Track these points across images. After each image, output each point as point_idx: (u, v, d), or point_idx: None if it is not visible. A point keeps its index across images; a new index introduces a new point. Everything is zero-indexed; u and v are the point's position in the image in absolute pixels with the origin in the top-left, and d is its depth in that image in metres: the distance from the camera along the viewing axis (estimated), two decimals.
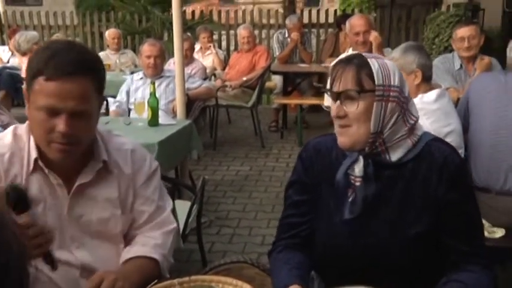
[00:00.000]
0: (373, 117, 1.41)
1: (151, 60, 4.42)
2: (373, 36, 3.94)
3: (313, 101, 6.81)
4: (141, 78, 4.53)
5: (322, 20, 9.42)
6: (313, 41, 8.46)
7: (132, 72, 6.18)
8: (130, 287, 1.41)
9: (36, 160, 1.51)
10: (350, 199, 1.45)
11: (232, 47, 9.00)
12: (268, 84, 6.94)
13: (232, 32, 9.25)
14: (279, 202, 4.52)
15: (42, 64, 1.40)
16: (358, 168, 1.45)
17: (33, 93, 1.43)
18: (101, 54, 7.12)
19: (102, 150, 1.58)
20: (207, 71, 6.40)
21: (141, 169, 1.65)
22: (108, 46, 7.32)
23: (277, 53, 7.00)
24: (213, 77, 6.78)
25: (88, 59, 1.46)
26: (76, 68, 1.41)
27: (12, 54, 7.11)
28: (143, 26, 9.13)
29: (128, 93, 4.58)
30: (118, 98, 4.62)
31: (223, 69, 6.93)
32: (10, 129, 1.59)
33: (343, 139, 1.45)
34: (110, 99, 5.30)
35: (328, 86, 1.49)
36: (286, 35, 6.98)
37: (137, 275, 1.48)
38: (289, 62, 6.92)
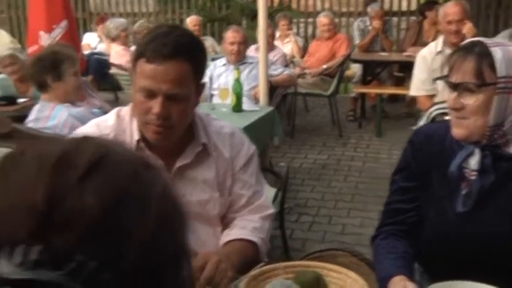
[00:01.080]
0: (494, 110, 1.34)
1: (235, 47, 4.47)
2: (468, 28, 3.68)
3: (394, 91, 6.66)
4: (224, 65, 4.59)
5: (404, 7, 9.13)
6: (394, 30, 8.22)
7: (213, 59, 6.29)
8: (231, 268, 1.43)
9: (138, 141, 1.56)
10: (463, 192, 1.40)
11: (310, 35, 8.94)
12: (346, 72, 6.83)
13: (310, 19, 9.18)
14: (358, 192, 4.46)
15: (143, 47, 1.46)
16: (474, 161, 1.39)
17: (135, 75, 1.48)
18: None
19: (201, 133, 1.62)
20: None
21: (239, 153, 1.67)
22: None
23: (358, 41, 6.87)
24: (291, 65, 6.76)
25: (186, 42, 1.48)
26: (173, 51, 1.43)
27: (100, 40, 7.43)
28: (223, 12, 9.23)
29: (210, 79, 4.65)
30: None
31: (302, 57, 6.89)
32: (114, 111, 1.65)
33: (458, 130, 1.39)
34: None
35: (443, 74, 1.44)
36: (367, 23, 6.83)
37: (237, 257, 1.51)
38: (369, 51, 6.78)
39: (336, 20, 8.52)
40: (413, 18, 8.40)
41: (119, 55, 5.89)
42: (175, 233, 0.52)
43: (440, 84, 3.64)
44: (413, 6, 8.90)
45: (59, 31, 5.60)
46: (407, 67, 6.57)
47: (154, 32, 1.49)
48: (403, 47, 6.83)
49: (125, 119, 1.60)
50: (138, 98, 1.48)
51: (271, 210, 1.69)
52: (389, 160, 5.28)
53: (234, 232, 1.60)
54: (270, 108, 3.94)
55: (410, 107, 6.93)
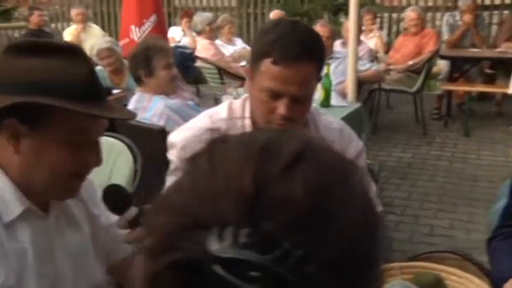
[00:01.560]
0: None
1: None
2: None
3: (485, 89, 6.37)
4: None
5: (497, 1, 8.68)
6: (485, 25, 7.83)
7: None
8: None
9: None
10: None
11: (394, 31, 8.71)
12: (433, 69, 6.59)
13: (394, 14, 8.94)
14: (446, 193, 4.30)
15: (269, 46, 1.43)
16: None
17: (258, 74, 1.46)
18: None
19: (312, 128, 1.61)
20: None
21: (348, 148, 1.64)
22: None
23: (446, 37, 6.60)
24: (375, 60, 6.62)
25: (312, 42, 1.47)
26: (301, 53, 1.41)
27: (183, 34, 7.61)
28: (305, 7, 9.17)
29: None
30: None
31: (386, 52, 6.72)
32: (225, 104, 1.67)
33: None
34: None
35: None
36: (457, 18, 6.54)
37: None
38: (458, 46, 6.50)
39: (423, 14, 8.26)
40: (506, 12, 7.97)
41: (204, 48, 6.01)
42: (374, 234, 0.51)
43: None
44: (508, 0, 8.45)
45: (148, 25, 5.79)
46: (500, 64, 6.31)
47: (277, 30, 1.45)
48: (495, 43, 6.50)
49: (237, 112, 1.62)
50: (261, 97, 1.47)
51: (380, 209, 1.65)
52: (478, 161, 5.06)
53: None
54: (358, 104, 3.88)
55: (500, 106, 6.63)
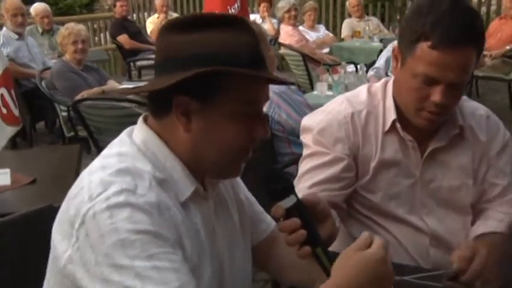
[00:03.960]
0: None
1: None
2: None
3: None
4: None
5: None
6: None
7: (381, 40, 6.07)
8: (497, 264, 1.30)
9: (394, 121, 1.47)
10: None
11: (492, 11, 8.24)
12: None
13: None
14: None
15: (428, 28, 1.31)
16: None
17: (411, 57, 1.35)
18: (346, 21, 7.14)
19: (458, 115, 1.49)
20: None
21: (495, 137, 1.51)
22: (349, 15, 7.30)
23: None
24: None
25: (473, 23, 1.33)
26: (463, 37, 1.30)
27: (262, 21, 7.56)
28: None
29: (387, 61, 4.45)
30: (377, 64, 4.53)
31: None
32: (365, 86, 1.57)
33: None
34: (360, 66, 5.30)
35: None
36: None
37: (498, 252, 1.36)
38: None
39: None
40: None
41: (288, 35, 5.92)
42: None
43: None
44: None
45: (232, 12, 5.76)
46: None
47: (435, 9, 1.33)
48: None
49: (377, 95, 1.52)
50: (413, 83, 1.37)
51: None
52: None
53: (491, 224, 1.46)
54: None
55: None
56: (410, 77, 1.37)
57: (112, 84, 4.44)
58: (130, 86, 4.57)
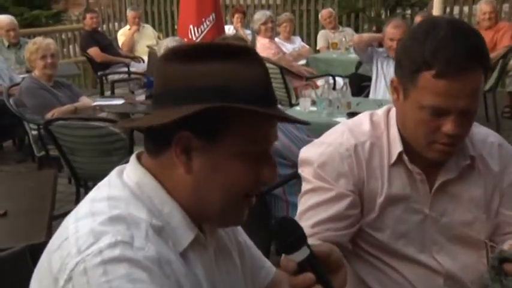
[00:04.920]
0: None
1: (394, 43, 4.16)
2: None
3: None
4: (386, 57, 4.31)
5: None
6: None
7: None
8: None
9: (400, 153, 1.37)
10: None
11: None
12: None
13: (465, 7, 8.51)
14: None
15: (428, 56, 1.21)
16: None
17: (415, 89, 1.25)
18: (321, 32, 7.09)
19: (468, 144, 1.39)
20: None
21: (508, 167, 1.43)
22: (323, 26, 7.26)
23: None
24: None
25: (478, 45, 1.24)
26: (470, 61, 1.20)
27: (236, 32, 7.46)
28: (360, 3, 8.83)
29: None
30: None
31: None
32: (366, 115, 1.47)
33: None
34: (338, 79, 5.23)
35: None
36: None
37: None
38: None
39: (498, 6, 7.83)
40: None
41: (264, 47, 5.82)
42: None
43: None
44: None
45: (207, 24, 5.64)
46: None
47: (434, 35, 1.23)
48: None
49: (380, 125, 1.42)
50: (421, 116, 1.26)
51: None
52: None
53: None
54: None
55: None
56: (416, 110, 1.27)
57: (85, 101, 4.25)
58: (104, 103, 4.42)
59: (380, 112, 1.46)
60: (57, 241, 0.87)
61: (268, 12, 6.06)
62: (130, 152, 4.13)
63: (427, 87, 1.23)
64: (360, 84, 5.01)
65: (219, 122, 0.89)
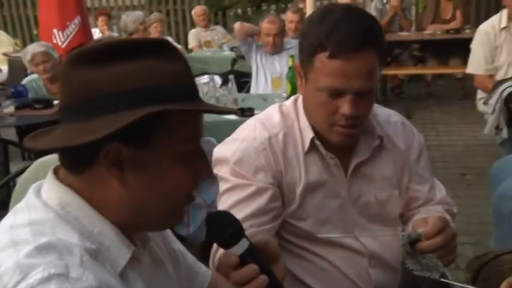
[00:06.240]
0: None
1: (270, 39, 4.25)
2: None
3: (418, 71, 6.55)
4: (265, 52, 4.34)
5: None
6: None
7: (231, 48, 6.05)
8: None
9: (312, 140, 1.37)
10: None
11: None
12: None
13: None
14: None
15: (323, 38, 1.23)
16: None
17: (312, 71, 1.27)
18: (192, 32, 7.03)
19: (375, 125, 1.43)
20: None
21: (412, 143, 1.49)
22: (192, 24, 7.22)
23: None
24: None
25: (372, 27, 1.27)
26: (361, 40, 1.22)
27: (102, 35, 7.15)
28: (226, 2, 8.90)
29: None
30: None
31: None
32: (275, 107, 1.45)
33: None
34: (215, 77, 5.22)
35: None
36: (385, 1, 6.63)
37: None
38: (387, 31, 6.59)
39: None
40: None
41: None
42: None
43: (506, 61, 3.51)
44: None
45: (73, 28, 5.31)
46: (429, 46, 6.48)
47: (329, 18, 1.25)
48: (422, 26, 6.67)
49: (290, 115, 1.41)
50: (319, 97, 1.28)
51: (455, 209, 1.51)
52: (426, 142, 5.13)
53: (427, 212, 1.39)
54: None
55: (429, 87, 6.87)
56: (315, 92, 1.28)
57: None
58: None
59: (288, 102, 1.45)
60: None
61: (140, 13, 5.86)
62: (6, 171, 3.75)
63: (322, 69, 1.25)
64: (238, 81, 5.04)
65: (151, 127, 0.81)
